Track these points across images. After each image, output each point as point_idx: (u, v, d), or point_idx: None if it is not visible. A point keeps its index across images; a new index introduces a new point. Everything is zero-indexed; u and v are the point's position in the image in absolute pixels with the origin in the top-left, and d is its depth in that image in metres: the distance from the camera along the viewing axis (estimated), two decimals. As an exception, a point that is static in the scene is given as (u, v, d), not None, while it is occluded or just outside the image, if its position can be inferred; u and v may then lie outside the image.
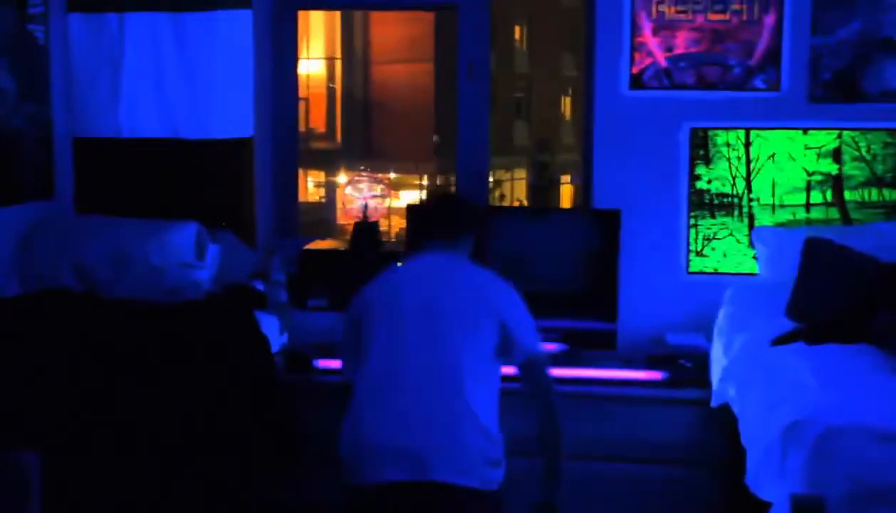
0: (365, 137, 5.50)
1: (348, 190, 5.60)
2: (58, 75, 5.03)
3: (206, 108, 5.11)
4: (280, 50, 5.56)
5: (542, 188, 5.25)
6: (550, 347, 4.76)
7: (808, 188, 5.00)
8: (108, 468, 3.71)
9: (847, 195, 4.97)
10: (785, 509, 3.22)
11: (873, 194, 4.96)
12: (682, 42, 5.00)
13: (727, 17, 4.96)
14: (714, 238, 5.09)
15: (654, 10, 4.98)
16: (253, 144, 5.21)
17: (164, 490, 3.80)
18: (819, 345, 4.04)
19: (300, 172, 5.63)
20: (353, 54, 5.57)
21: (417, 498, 3.26)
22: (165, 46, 5.08)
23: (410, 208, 5.05)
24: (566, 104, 4.76)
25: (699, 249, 5.10)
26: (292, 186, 5.70)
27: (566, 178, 4.95)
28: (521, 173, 5.29)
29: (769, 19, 4.93)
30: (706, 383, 4.51)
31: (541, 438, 3.57)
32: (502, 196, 5.47)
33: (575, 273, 5.04)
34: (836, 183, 4.97)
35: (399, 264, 3.78)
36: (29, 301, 4.39)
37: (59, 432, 3.62)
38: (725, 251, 5.08)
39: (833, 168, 4.97)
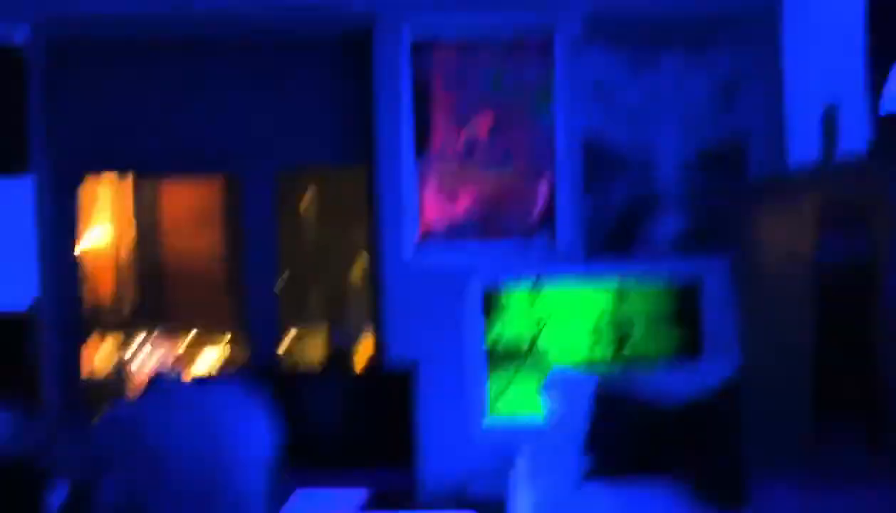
0: (159, 303, 5.40)
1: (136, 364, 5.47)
2: None
3: None
4: (62, 218, 5.26)
5: (342, 351, 5.28)
6: (355, 500, 4.73)
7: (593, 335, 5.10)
8: None
9: (629, 341, 5.11)
10: None
11: (649, 338, 5.11)
12: (465, 205, 5.08)
13: (505, 180, 5.07)
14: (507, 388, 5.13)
15: (436, 173, 5.07)
16: (36, 316, 5.04)
17: None
18: (615, 479, 4.25)
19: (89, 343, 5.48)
20: (144, 222, 5.50)
21: None
22: None
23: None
24: (357, 269, 4.83)
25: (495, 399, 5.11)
26: (77, 355, 5.37)
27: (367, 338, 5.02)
28: (316, 338, 5.28)
29: (543, 182, 5.09)
30: None
31: None
32: (296, 363, 5.43)
33: (376, 428, 4.96)
34: (621, 330, 5.11)
35: None
36: None
37: None
38: (520, 401, 5.10)
39: (612, 318, 5.10)
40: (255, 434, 3.62)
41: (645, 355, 5.11)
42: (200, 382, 3.71)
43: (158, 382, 3.70)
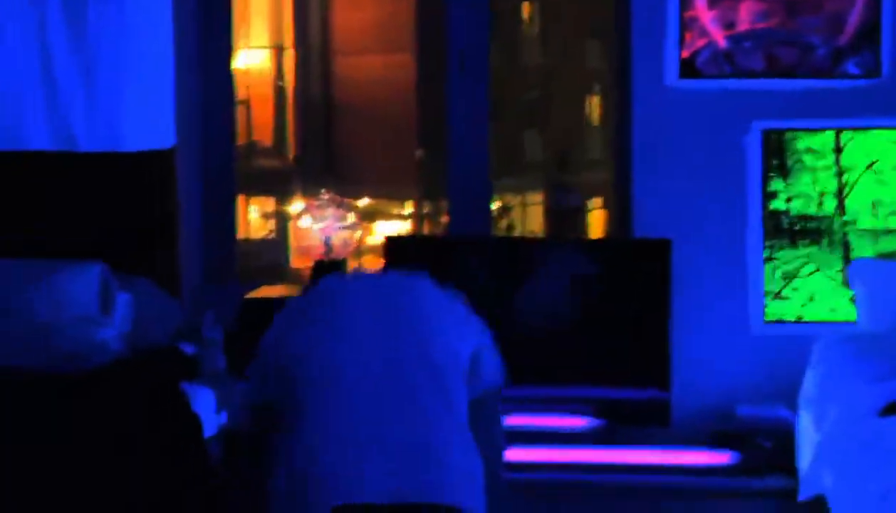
0: (326, 153, 5.43)
1: (305, 221, 5.51)
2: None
3: (111, 112, 4.94)
4: (209, 37, 5.43)
5: (565, 215, 5.19)
6: (581, 422, 4.84)
7: None
8: None
9: None
10: None
11: None
12: (747, 15, 4.91)
13: None
14: (797, 275, 4.99)
15: None
16: (174, 159, 5.02)
17: None
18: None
19: (240, 198, 5.62)
20: (309, 43, 5.48)
21: None
22: (55, 35, 5.00)
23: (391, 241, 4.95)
24: (593, 106, 4.69)
25: (777, 290, 4.99)
26: (228, 218, 5.57)
27: (597, 202, 4.88)
28: (535, 197, 5.19)
29: None
30: (792, 469, 4.39)
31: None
32: (510, 227, 5.44)
33: (612, 325, 4.94)
34: None
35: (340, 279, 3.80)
36: None
37: None
38: (812, 293, 4.98)
39: None
40: (450, 324, 3.63)
41: None
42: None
43: (327, 271, 3.94)
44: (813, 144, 4.90)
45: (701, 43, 4.91)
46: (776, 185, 4.93)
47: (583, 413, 4.78)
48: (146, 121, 4.96)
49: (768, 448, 4.55)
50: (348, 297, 3.68)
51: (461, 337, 3.57)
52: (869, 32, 4.83)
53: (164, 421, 4.32)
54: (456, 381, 3.53)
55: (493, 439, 3.66)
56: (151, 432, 4.25)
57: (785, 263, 4.96)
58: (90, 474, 3.98)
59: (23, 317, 4.37)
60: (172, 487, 4.19)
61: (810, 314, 4.94)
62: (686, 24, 4.92)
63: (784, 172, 4.93)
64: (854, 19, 4.81)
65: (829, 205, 4.91)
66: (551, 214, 5.65)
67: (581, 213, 5.56)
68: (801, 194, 4.93)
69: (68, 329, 4.36)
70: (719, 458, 4.55)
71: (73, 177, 4.94)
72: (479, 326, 3.64)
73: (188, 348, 4.69)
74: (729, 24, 4.89)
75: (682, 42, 4.93)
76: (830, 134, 4.88)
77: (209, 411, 4.50)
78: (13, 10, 5.00)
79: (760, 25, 4.89)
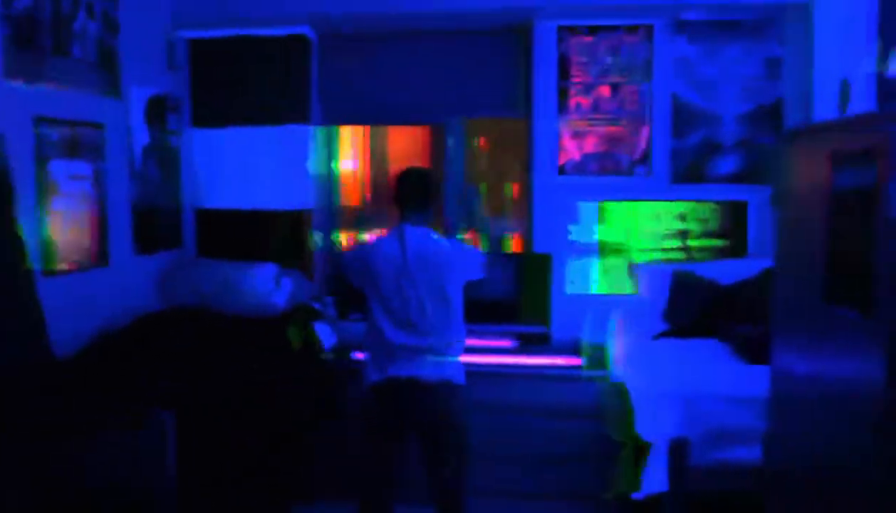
0: (382, 207, 5.50)
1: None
2: (185, 168, 5.02)
3: (283, 188, 5.05)
4: (328, 157, 5.37)
5: (499, 240, 5.23)
6: (509, 343, 4.76)
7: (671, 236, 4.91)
8: (220, 426, 3.62)
9: (691, 243, 4.90)
10: (663, 447, 3.31)
11: (709, 242, 4.90)
12: (590, 144, 4.91)
13: (619, 129, 4.88)
14: (605, 272, 4.98)
15: (571, 124, 4.90)
16: (311, 214, 5.15)
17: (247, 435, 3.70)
18: (681, 338, 4.14)
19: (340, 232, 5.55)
20: (375, 155, 5.58)
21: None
22: (252, 147, 5.05)
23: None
24: (512, 189, 4.77)
25: (593, 280, 4.99)
26: (334, 241, 5.45)
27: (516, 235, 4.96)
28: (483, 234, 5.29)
29: (644, 130, 4.88)
30: (606, 367, 4.47)
31: None
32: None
33: (525, 294, 4.90)
34: (684, 235, 4.91)
35: (385, 237, 3.39)
36: (166, 313, 4.38)
37: (188, 395, 3.55)
38: (614, 279, 4.97)
39: (682, 225, 4.91)
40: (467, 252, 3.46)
41: (706, 255, 4.87)
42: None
43: (379, 237, 3.47)
44: (615, 207, 4.91)
45: (566, 157, 4.90)
46: (600, 226, 4.93)
47: (509, 338, 4.76)
48: (303, 195, 5.10)
49: (598, 356, 4.53)
50: (386, 245, 3.28)
51: (462, 264, 3.29)
52: (647, 153, 4.84)
53: (305, 340, 4.37)
54: (457, 291, 3.25)
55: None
56: (301, 345, 4.30)
57: (598, 266, 4.96)
58: (274, 362, 4.00)
59: (238, 288, 4.50)
60: (310, 374, 4.23)
61: (613, 291, 4.93)
62: (561, 148, 4.89)
63: (603, 220, 4.93)
64: (641, 146, 4.84)
65: (623, 236, 4.92)
66: (492, 240, 5.59)
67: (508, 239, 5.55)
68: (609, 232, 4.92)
69: (261, 295, 4.51)
70: (574, 361, 4.56)
71: (263, 222, 5.06)
72: (473, 253, 3.43)
73: (316, 305, 4.79)
74: (581, 147, 4.88)
75: (558, 156, 4.90)
76: (626, 202, 4.91)
77: (327, 335, 4.60)
78: (232, 139, 5.01)
79: (596, 149, 4.88)
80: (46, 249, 3.65)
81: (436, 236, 3.34)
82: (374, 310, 3.27)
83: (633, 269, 4.86)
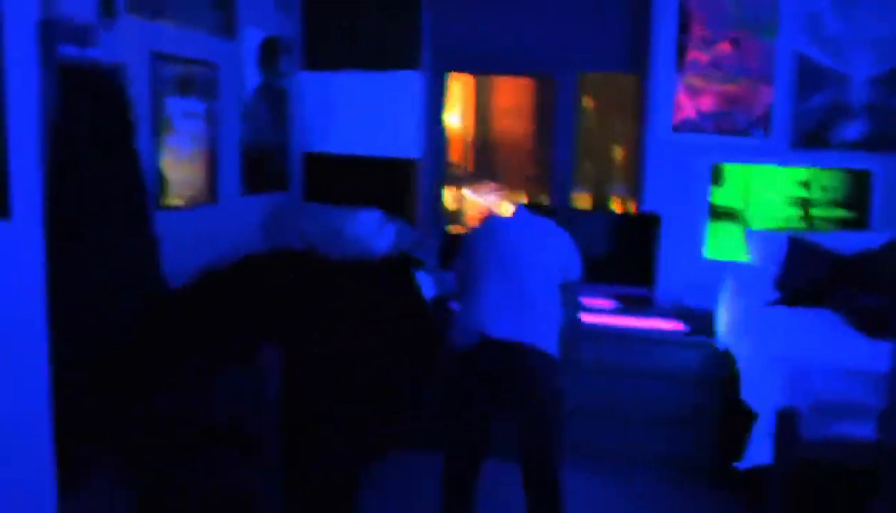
0: (487, 165, 5.47)
1: (472, 194, 5.53)
2: (295, 111, 5.08)
3: (391, 135, 5.06)
4: (436, 109, 5.31)
5: (602, 199, 5.17)
6: (611, 303, 4.74)
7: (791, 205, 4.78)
8: (325, 367, 3.54)
9: (812, 212, 4.76)
10: (770, 417, 3.21)
11: (831, 212, 4.74)
12: (706, 103, 4.79)
13: (738, 87, 4.74)
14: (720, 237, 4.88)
15: (687, 81, 4.78)
16: (419, 163, 5.13)
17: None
18: (794, 307, 4.02)
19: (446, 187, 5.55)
20: (481, 111, 5.54)
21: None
22: (362, 92, 5.05)
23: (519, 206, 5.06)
24: (618, 150, 4.68)
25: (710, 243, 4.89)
26: (440, 195, 5.46)
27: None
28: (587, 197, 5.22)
29: (765, 90, 4.72)
30: (712, 333, 4.41)
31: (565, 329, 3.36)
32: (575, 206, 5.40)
33: (629, 256, 4.85)
34: (806, 203, 4.77)
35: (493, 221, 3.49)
36: (272, 254, 4.44)
37: (292, 330, 3.49)
38: (727, 245, 4.86)
39: (804, 193, 4.76)
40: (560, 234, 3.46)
41: (829, 226, 4.71)
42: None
43: (489, 217, 3.57)
44: (731, 171, 4.79)
45: (682, 116, 4.80)
46: (714, 190, 4.83)
47: (612, 299, 4.76)
48: (407, 141, 5.09)
49: (705, 322, 4.50)
50: (499, 223, 3.43)
51: (560, 251, 3.35)
52: (767, 114, 4.70)
53: (406, 287, 4.38)
54: (553, 275, 3.29)
55: (576, 305, 3.46)
56: (399, 291, 4.31)
57: (710, 230, 4.86)
58: (377, 307, 3.97)
59: (343, 233, 4.55)
60: (410, 321, 4.20)
61: (726, 257, 4.82)
62: (676, 106, 4.80)
63: (718, 183, 4.82)
64: (761, 107, 4.69)
65: (739, 201, 4.82)
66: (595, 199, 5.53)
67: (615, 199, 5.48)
68: (727, 195, 4.82)
69: (365, 241, 4.55)
70: (677, 325, 4.50)
71: (371, 168, 5.08)
72: (570, 244, 3.41)
73: (419, 253, 4.79)
74: (697, 106, 4.76)
75: (673, 115, 4.81)
76: (743, 167, 4.78)
77: (428, 284, 4.59)
78: (341, 82, 5.07)
79: (713, 109, 4.75)
80: (160, 184, 3.73)
81: (551, 226, 3.42)
82: (473, 285, 3.27)
83: (748, 235, 4.73)
